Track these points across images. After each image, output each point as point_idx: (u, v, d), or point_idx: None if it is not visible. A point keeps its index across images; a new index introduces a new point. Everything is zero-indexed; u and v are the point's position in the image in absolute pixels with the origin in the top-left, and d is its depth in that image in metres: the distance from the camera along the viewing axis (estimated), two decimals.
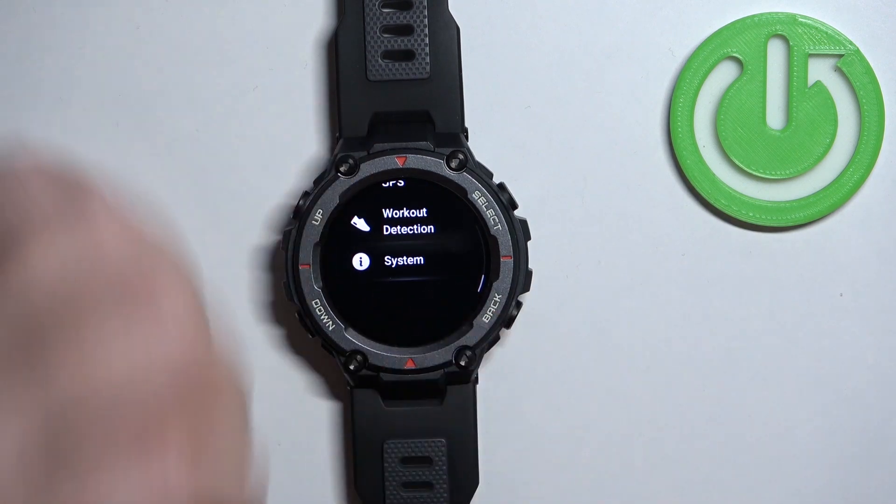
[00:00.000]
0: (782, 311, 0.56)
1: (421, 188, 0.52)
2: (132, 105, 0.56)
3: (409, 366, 0.52)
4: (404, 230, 0.52)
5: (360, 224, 0.52)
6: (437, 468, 0.53)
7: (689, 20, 0.55)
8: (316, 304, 0.52)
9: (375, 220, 0.52)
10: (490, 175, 0.52)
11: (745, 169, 0.55)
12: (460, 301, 0.52)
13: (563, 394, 0.56)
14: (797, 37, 0.54)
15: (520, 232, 0.52)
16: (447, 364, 0.52)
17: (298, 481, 0.56)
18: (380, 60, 0.52)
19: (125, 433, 0.30)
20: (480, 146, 0.55)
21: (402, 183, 0.52)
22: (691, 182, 0.55)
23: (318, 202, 0.52)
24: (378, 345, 0.52)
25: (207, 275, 0.56)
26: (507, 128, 0.55)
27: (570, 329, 0.56)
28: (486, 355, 0.53)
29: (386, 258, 0.52)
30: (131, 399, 0.30)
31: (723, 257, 0.56)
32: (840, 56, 0.54)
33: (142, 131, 0.56)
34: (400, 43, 0.52)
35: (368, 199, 0.52)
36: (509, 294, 0.52)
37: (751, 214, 0.55)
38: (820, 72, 0.54)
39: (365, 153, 0.52)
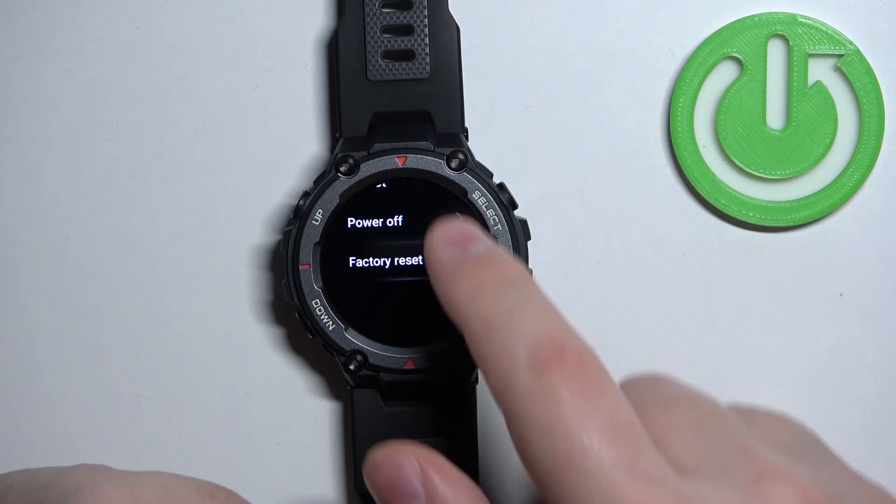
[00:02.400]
0: (782, 311, 0.56)
1: (421, 188, 0.52)
2: (132, 105, 0.56)
3: (409, 366, 0.52)
4: None
5: (361, 224, 0.52)
6: None
7: (689, 20, 0.55)
8: (316, 303, 0.52)
9: (375, 220, 0.52)
10: (490, 175, 0.52)
11: (745, 169, 0.55)
12: None
13: None
14: (797, 37, 0.54)
15: (520, 232, 0.52)
16: (447, 364, 0.52)
17: (298, 481, 0.56)
18: (380, 60, 0.52)
19: None
20: (480, 146, 0.55)
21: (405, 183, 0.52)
22: (691, 182, 0.55)
23: (319, 202, 0.52)
24: (378, 345, 0.52)
25: (207, 275, 0.56)
26: (507, 128, 0.55)
27: None
28: None
29: (386, 258, 0.52)
30: None
31: (723, 257, 0.56)
32: (840, 56, 0.54)
33: (142, 131, 0.56)
34: (400, 43, 0.52)
35: (368, 198, 0.52)
36: None
37: (751, 214, 0.55)
38: (820, 72, 0.54)
39: (365, 153, 0.52)
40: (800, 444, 0.47)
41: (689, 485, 0.40)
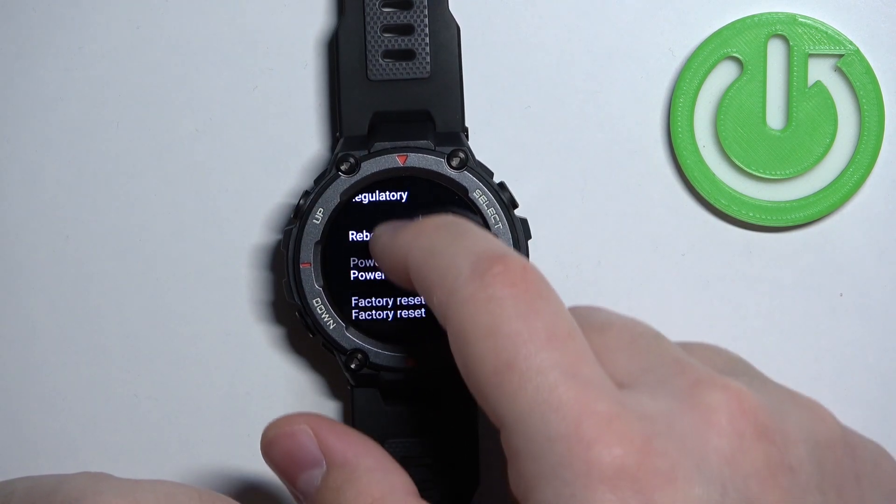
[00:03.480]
0: (782, 311, 0.56)
1: (422, 188, 0.52)
2: (132, 105, 0.56)
3: (410, 365, 0.52)
4: None
5: (361, 224, 0.52)
6: (437, 468, 0.53)
7: (689, 20, 0.55)
8: (317, 302, 0.52)
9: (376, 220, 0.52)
10: (490, 174, 0.52)
11: (745, 169, 0.55)
12: None
13: None
14: (797, 37, 0.54)
15: (520, 231, 0.52)
16: (448, 363, 0.52)
17: None
18: (380, 60, 0.52)
19: None
20: (480, 146, 0.55)
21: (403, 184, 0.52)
22: (691, 182, 0.55)
23: (319, 201, 0.52)
24: (379, 344, 0.52)
25: (207, 275, 0.56)
26: (507, 128, 0.55)
27: None
28: None
29: None
30: None
31: (723, 257, 0.56)
32: (840, 56, 0.54)
33: (142, 131, 0.56)
34: (400, 42, 0.53)
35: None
36: None
37: (751, 214, 0.55)
38: (820, 72, 0.54)
39: (366, 152, 0.52)
40: (733, 366, 0.47)
41: (628, 395, 0.41)
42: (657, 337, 0.44)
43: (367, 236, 0.52)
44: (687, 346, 0.47)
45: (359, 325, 0.52)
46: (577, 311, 0.45)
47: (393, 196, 0.52)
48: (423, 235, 0.43)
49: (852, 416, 0.56)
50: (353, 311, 0.52)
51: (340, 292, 0.52)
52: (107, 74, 0.55)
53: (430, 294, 0.42)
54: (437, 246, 0.43)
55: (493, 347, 0.40)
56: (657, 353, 0.43)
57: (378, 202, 0.52)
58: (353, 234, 0.52)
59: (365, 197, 0.52)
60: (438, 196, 0.52)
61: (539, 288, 0.41)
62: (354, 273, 0.52)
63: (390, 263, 0.45)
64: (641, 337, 0.43)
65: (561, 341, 0.40)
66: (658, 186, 0.55)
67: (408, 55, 0.53)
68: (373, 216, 0.52)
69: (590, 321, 0.44)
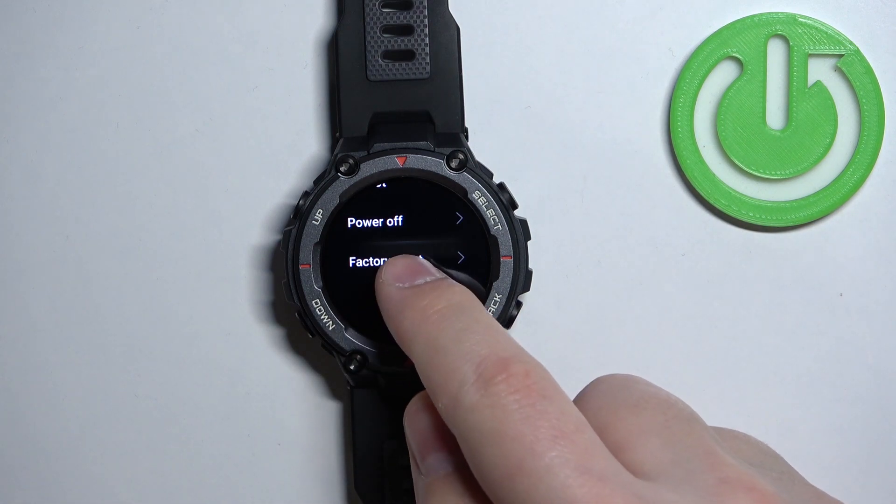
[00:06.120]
0: (782, 311, 0.56)
1: (421, 188, 0.52)
2: (132, 105, 0.56)
3: (409, 365, 0.52)
4: None
5: (361, 224, 0.52)
6: None
7: (689, 20, 0.55)
8: (316, 303, 0.52)
9: (375, 220, 0.52)
10: (490, 175, 0.52)
11: (745, 169, 0.55)
12: None
13: None
14: (797, 37, 0.54)
15: (520, 232, 0.52)
16: None
17: (298, 481, 0.56)
18: (380, 60, 0.52)
19: None
20: (480, 146, 0.55)
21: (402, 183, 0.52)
22: (691, 182, 0.55)
23: (319, 202, 0.52)
24: (378, 345, 0.52)
25: (207, 275, 0.56)
26: (507, 128, 0.55)
27: (570, 329, 0.56)
28: None
29: (386, 258, 0.52)
30: None
31: (723, 257, 0.56)
32: (840, 56, 0.54)
33: (142, 131, 0.56)
34: (400, 43, 0.53)
35: (368, 198, 0.52)
36: (509, 294, 0.52)
37: (751, 214, 0.55)
38: (820, 72, 0.54)
39: (365, 153, 0.52)
40: (763, 459, 0.47)
41: (648, 488, 0.40)
42: (690, 421, 0.43)
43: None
44: (719, 432, 0.46)
45: (358, 326, 0.52)
46: (613, 383, 0.45)
47: (391, 222, 0.52)
48: (428, 324, 0.44)
49: (852, 416, 0.56)
50: (353, 311, 0.52)
51: (340, 293, 0.52)
52: (107, 74, 0.55)
53: (434, 396, 0.43)
54: (441, 342, 0.43)
55: (500, 453, 0.40)
56: (689, 442, 0.42)
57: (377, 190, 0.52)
58: (352, 226, 0.52)
59: (360, 222, 0.52)
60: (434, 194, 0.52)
61: (542, 389, 0.41)
62: (354, 271, 0.52)
63: (393, 330, 0.46)
64: (675, 420, 0.43)
65: (568, 438, 0.40)
66: (658, 186, 0.55)
67: (407, 56, 0.52)
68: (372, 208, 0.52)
69: (625, 398, 0.44)
